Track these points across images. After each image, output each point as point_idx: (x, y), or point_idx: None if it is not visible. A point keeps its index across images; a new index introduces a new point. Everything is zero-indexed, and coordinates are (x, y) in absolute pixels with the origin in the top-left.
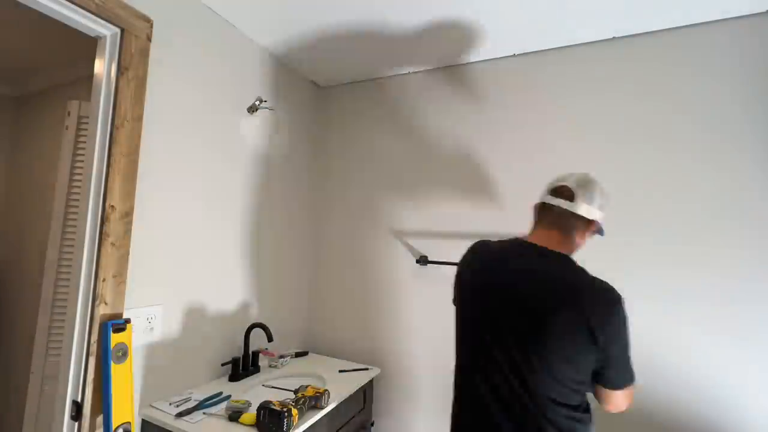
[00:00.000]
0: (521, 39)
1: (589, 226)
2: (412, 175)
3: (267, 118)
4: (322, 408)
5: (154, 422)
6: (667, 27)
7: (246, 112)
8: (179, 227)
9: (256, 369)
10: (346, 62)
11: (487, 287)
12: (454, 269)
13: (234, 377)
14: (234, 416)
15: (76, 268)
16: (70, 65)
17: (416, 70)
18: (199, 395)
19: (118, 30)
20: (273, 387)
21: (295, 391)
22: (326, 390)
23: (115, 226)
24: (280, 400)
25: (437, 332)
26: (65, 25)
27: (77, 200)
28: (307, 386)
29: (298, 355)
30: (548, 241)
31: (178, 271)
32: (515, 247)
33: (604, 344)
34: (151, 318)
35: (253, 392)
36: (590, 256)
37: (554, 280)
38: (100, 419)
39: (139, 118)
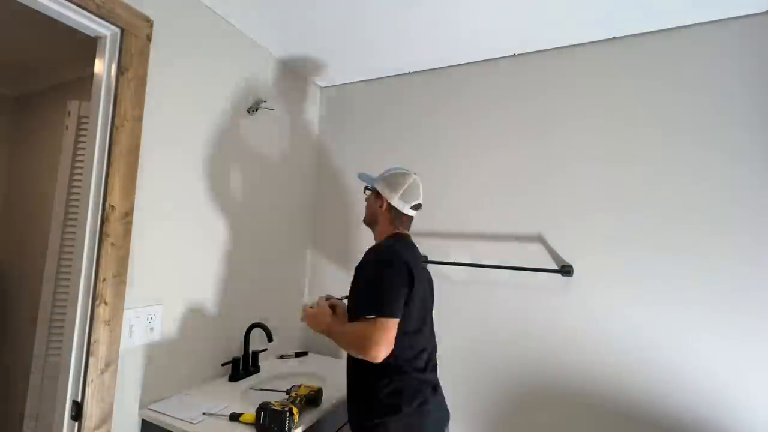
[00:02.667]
0: (521, 39)
1: None
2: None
3: (267, 118)
4: (317, 406)
5: (154, 422)
6: (668, 27)
7: (246, 112)
8: (179, 227)
9: (256, 369)
10: (346, 62)
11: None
12: (454, 269)
13: (234, 377)
14: (235, 416)
15: (76, 268)
16: (70, 65)
17: (417, 70)
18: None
19: (118, 30)
20: (262, 389)
21: (287, 392)
22: (320, 388)
23: (115, 226)
24: (278, 400)
25: (436, 332)
26: (65, 25)
27: (77, 200)
28: (299, 385)
29: (297, 355)
30: None
31: (178, 271)
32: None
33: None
34: (151, 318)
35: (243, 397)
36: (593, 259)
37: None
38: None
39: (139, 118)
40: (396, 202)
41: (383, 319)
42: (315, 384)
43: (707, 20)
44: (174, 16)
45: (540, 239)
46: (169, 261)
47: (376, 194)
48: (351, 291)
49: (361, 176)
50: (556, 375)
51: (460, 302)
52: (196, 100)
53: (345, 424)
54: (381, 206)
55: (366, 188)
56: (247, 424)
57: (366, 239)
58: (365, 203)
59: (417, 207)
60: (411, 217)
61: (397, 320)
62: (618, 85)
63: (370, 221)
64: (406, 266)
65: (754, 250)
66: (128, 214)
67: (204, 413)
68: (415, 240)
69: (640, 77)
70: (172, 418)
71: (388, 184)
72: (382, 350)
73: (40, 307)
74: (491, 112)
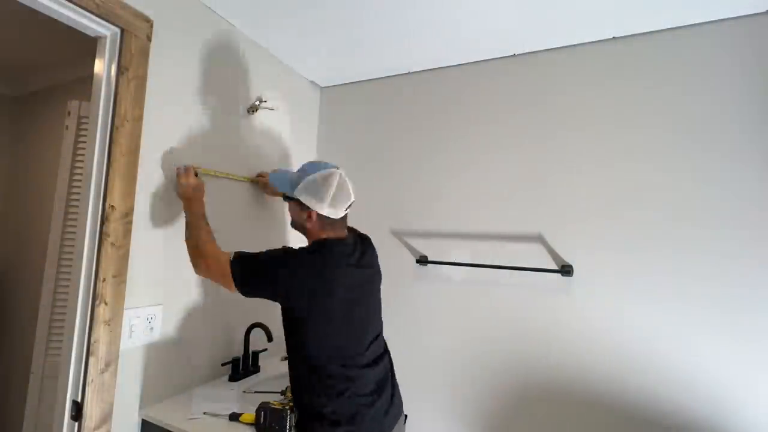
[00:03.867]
0: (521, 39)
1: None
2: (412, 175)
3: (267, 118)
4: None
5: (154, 422)
6: (667, 27)
7: (246, 112)
8: (179, 227)
9: (256, 369)
10: (346, 62)
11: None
12: (454, 269)
13: (234, 377)
14: (234, 416)
15: (76, 268)
16: (70, 65)
17: (416, 70)
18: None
19: (118, 30)
20: (257, 392)
21: (282, 392)
22: None
23: (115, 226)
24: (276, 400)
25: (437, 332)
26: (65, 25)
27: (77, 200)
28: None
29: None
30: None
31: (178, 271)
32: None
33: None
34: (151, 318)
35: (242, 397)
36: (599, 267)
37: None
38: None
39: (139, 118)
40: (327, 211)
41: (231, 268)
42: None
43: (707, 20)
44: (174, 16)
45: (540, 239)
46: (169, 261)
47: (299, 204)
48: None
49: (277, 179)
50: (556, 375)
51: (460, 302)
52: (196, 100)
53: None
54: (309, 217)
55: (284, 195)
56: (247, 424)
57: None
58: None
59: (349, 206)
60: (345, 216)
61: (232, 283)
62: (618, 85)
63: (299, 228)
64: (309, 275)
65: (754, 251)
66: (128, 214)
67: (204, 413)
68: (416, 240)
69: (640, 77)
70: (172, 418)
71: (312, 193)
72: (202, 273)
73: (40, 307)
74: (491, 113)
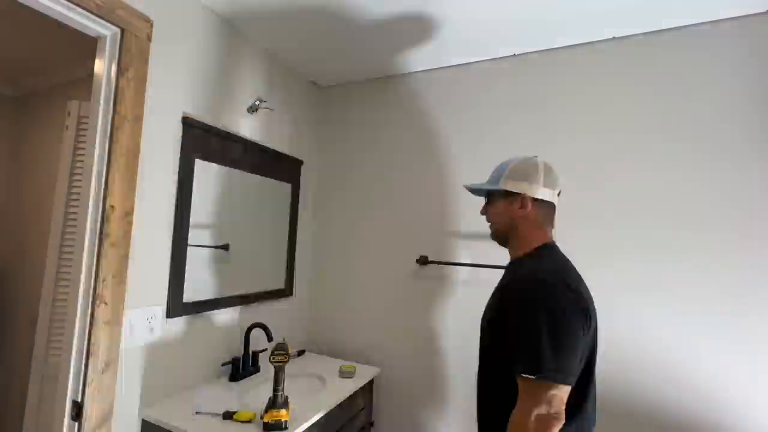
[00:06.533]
0: (521, 39)
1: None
2: (412, 175)
3: (267, 118)
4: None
5: (154, 422)
6: (667, 27)
7: (246, 112)
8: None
9: (256, 369)
10: (345, 62)
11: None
12: (453, 269)
13: (234, 377)
14: (228, 414)
15: (76, 268)
16: (70, 65)
17: (416, 70)
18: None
19: (118, 30)
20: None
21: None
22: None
23: (115, 226)
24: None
25: (437, 332)
26: (65, 25)
27: (77, 200)
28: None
29: (299, 354)
30: None
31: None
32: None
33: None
34: (151, 318)
35: (242, 397)
36: (600, 267)
37: None
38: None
39: (139, 118)
40: (543, 193)
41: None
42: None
43: (707, 20)
44: (174, 16)
45: None
46: (168, 261)
47: (506, 196)
48: (493, 326)
49: (474, 187)
50: None
51: (461, 302)
52: (196, 100)
53: (345, 424)
54: (523, 207)
55: (488, 196)
56: (241, 421)
57: (365, 236)
58: (485, 215)
59: (559, 194)
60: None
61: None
62: (617, 86)
63: (507, 231)
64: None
65: (753, 252)
66: (128, 214)
67: (203, 413)
68: (416, 240)
69: (640, 77)
70: (172, 418)
71: (521, 176)
72: None
73: (40, 307)
74: (491, 112)
